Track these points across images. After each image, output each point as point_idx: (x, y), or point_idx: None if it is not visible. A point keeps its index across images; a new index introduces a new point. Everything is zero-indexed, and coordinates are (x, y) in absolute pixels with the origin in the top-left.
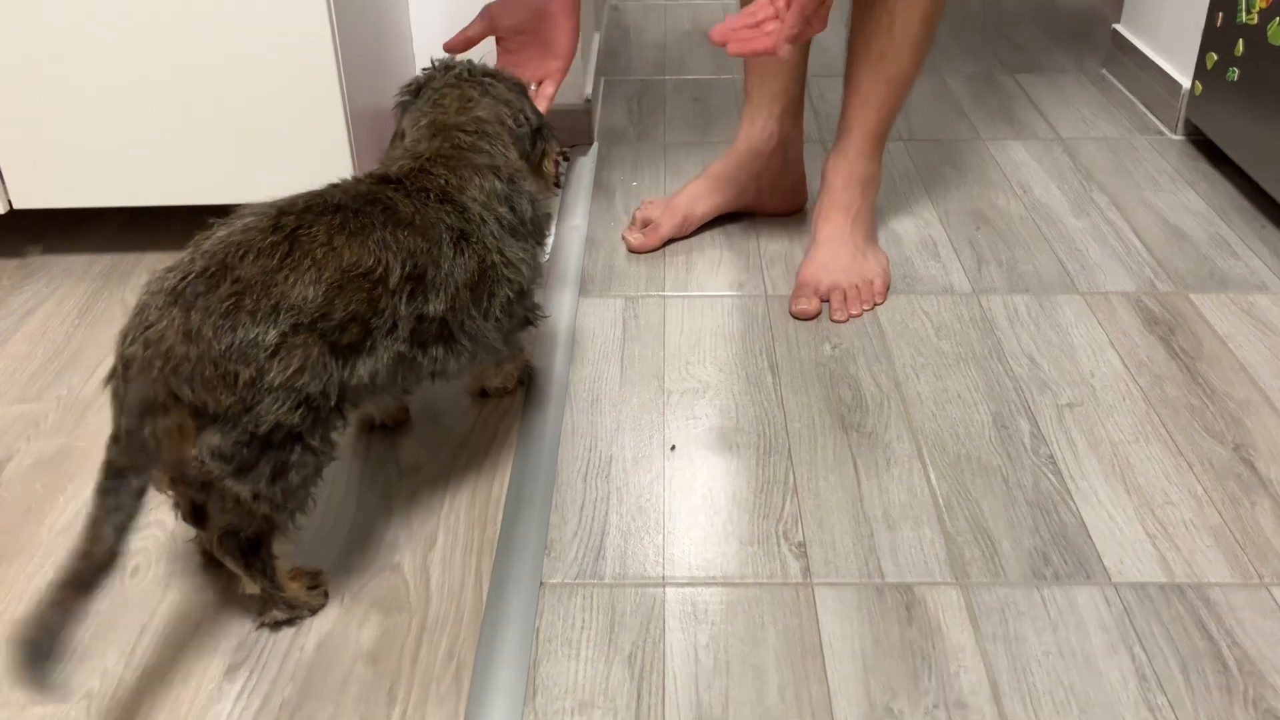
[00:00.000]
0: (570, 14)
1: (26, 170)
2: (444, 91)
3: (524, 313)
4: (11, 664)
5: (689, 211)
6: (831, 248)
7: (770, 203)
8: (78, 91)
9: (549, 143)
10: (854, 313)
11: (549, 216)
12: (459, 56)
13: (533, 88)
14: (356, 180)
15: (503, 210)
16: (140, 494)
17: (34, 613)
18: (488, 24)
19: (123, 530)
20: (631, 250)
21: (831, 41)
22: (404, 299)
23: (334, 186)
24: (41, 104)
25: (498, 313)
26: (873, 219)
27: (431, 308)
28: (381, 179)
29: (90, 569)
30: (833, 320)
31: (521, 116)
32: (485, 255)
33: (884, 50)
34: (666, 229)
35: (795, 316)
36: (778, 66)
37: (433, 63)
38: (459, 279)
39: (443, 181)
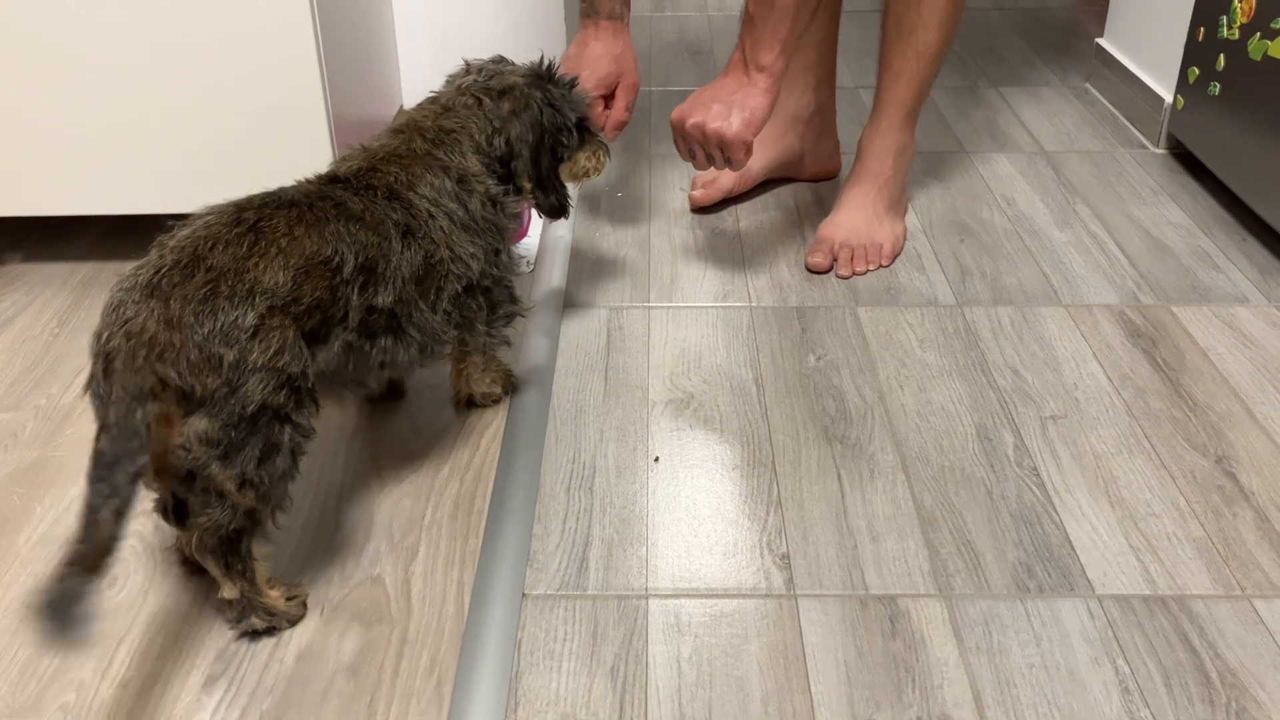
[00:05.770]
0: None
1: (6, 177)
2: (441, 94)
3: (494, 306)
4: (41, 628)
5: (747, 168)
6: (851, 210)
7: (810, 166)
8: (60, 100)
9: (520, 177)
10: (858, 270)
11: (517, 216)
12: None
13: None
14: (306, 181)
15: (453, 206)
16: (135, 480)
17: (48, 585)
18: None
19: (120, 515)
20: (694, 205)
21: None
22: (356, 289)
23: (284, 187)
24: (22, 111)
25: (447, 306)
26: (902, 191)
27: (380, 300)
28: (330, 179)
29: (92, 551)
30: (837, 276)
31: (498, 140)
32: (432, 250)
33: (913, 26)
34: (727, 182)
35: (808, 269)
36: (810, 41)
37: (465, 63)
38: (405, 273)
39: (391, 179)
